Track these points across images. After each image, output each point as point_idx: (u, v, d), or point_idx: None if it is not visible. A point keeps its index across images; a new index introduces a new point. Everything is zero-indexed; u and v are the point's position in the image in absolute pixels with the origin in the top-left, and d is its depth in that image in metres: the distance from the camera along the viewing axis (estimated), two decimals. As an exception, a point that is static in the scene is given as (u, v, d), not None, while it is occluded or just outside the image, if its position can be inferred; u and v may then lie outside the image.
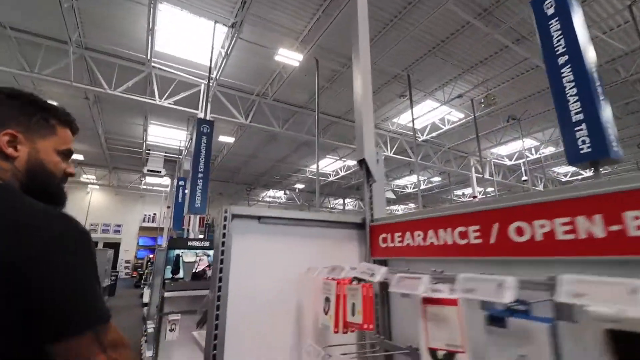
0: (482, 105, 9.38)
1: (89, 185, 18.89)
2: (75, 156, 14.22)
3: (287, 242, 1.43)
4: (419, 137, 12.46)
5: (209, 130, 5.85)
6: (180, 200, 10.21)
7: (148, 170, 13.88)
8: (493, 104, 9.56)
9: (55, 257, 0.63)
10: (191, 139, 11.81)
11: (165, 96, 8.58)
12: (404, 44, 7.48)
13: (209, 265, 3.56)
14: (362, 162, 1.73)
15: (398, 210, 27.17)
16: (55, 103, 0.96)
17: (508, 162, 15.53)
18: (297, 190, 20.30)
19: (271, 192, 22.27)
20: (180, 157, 13.18)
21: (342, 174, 16.88)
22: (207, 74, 7.85)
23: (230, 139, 11.87)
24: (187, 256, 3.37)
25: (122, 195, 20.05)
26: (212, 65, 8.35)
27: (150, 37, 7.19)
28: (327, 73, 8.74)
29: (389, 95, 9.73)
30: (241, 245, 1.28)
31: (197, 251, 3.60)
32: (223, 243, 1.21)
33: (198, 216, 7.92)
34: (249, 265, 1.29)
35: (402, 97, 9.24)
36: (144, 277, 12.01)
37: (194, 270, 3.43)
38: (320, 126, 11.26)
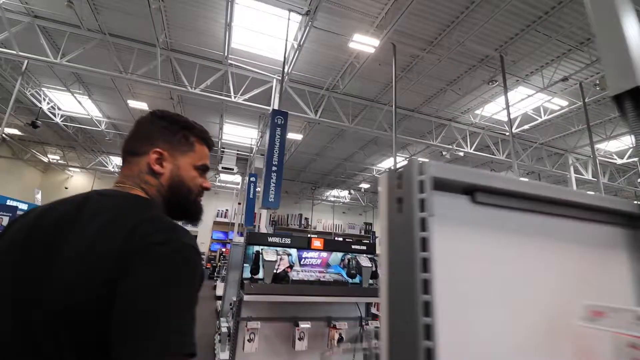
0: (597, 88, 7.76)
1: (172, 182, 20.74)
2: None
3: (523, 245, 0.65)
4: (507, 131, 10.97)
5: (283, 122, 5.69)
6: (251, 196, 10.44)
7: (222, 168, 14.63)
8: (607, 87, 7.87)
9: (146, 261, 0.63)
10: (261, 137, 12.07)
11: (240, 92, 8.78)
12: (495, 21, 6.48)
13: (290, 266, 3.23)
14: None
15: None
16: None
17: (618, 161, 12.92)
18: (362, 190, 19.72)
19: (334, 192, 22.05)
20: (251, 154, 13.60)
21: (411, 173, 15.84)
22: (279, 69, 7.83)
23: (298, 136, 11.84)
24: (268, 254, 3.05)
25: (199, 191, 21.63)
26: (285, 58, 8.32)
27: (227, 34, 7.37)
28: (403, 60, 8.07)
29: (473, 83, 8.66)
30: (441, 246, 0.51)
31: (278, 249, 3.30)
32: (423, 240, 0.48)
33: (268, 211, 7.91)
34: (452, 290, 0.52)
35: (491, 83, 8.11)
36: (217, 269, 12.59)
37: (275, 271, 3.11)
38: (391, 120, 10.62)
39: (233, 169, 14.80)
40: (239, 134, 13.03)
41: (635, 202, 0.76)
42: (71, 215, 0.70)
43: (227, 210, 22.17)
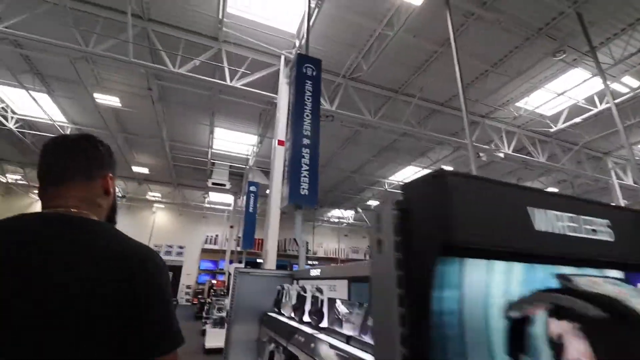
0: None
1: (154, 204, 18.38)
2: (140, 170, 13.45)
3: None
4: (550, 128, 9.37)
5: (315, 73, 3.78)
6: (251, 210, 8.34)
7: (212, 184, 12.52)
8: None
9: (158, 282, 0.76)
10: (261, 142, 10.13)
11: (238, 76, 6.93)
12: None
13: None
14: None
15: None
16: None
17: (666, 163, 11.42)
18: (371, 207, 17.71)
19: (337, 212, 19.98)
20: (247, 166, 11.58)
21: (428, 185, 14.00)
22: (288, 43, 6.06)
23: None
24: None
25: (185, 215, 19.27)
26: (296, 31, 6.59)
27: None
28: (441, 31, 6.42)
29: (525, 62, 7.09)
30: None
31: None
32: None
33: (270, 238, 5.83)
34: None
35: (558, 54, 6.48)
36: (205, 308, 10.13)
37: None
38: (417, 116, 8.96)
39: (225, 185, 12.70)
40: (233, 140, 11.06)
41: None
42: (39, 240, 0.72)
43: (216, 235, 19.74)
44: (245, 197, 8.39)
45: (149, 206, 18.64)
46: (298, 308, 2.32)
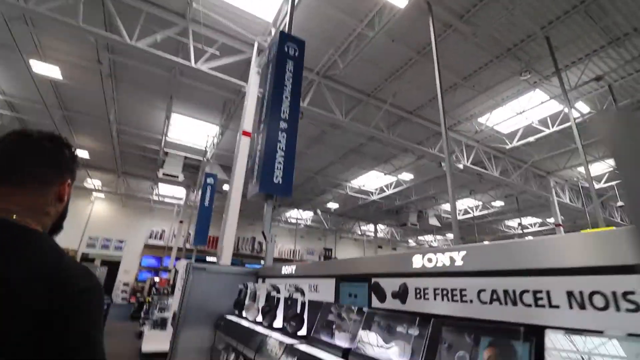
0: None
1: (93, 193, 16.52)
2: (80, 153, 11.97)
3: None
4: (505, 146, 9.93)
5: (297, 54, 3.39)
6: (207, 204, 7.66)
7: (164, 174, 11.49)
8: None
9: (80, 309, 0.67)
10: (223, 133, 9.47)
11: (204, 58, 6.31)
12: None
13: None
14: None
15: (433, 242, 24.19)
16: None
17: (596, 185, 12.74)
18: (332, 210, 17.62)
19: (295, 213, 19.63)
20: (205, 159, 10.78)
21: (388, 192, 14.24)
22: (263, 31, 5.63)
23: (270, 136, 9.47)
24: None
25: (129, 207, 17.60)
26: (272, 20, 6.17)
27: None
28: (420, 38, 6.41)
29: (494, 78, 7.36)
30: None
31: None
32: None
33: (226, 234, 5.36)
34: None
35: (524, 75, 6.79)
36: (145, 307, 9.17)
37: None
38: (386, 122, 8.96)
39: (178, 177, 11.74)
40: (191, 130, 10.22)
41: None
42: None
43: (163, 231, 18.31)
44: (200, 190, 7.68)
45: (86, 194, 16.70)
46: (268, 312, 1.96)
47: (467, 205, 16.43)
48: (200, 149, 11.01)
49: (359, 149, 11.05)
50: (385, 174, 12.95)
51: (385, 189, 14.39)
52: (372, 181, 14.12)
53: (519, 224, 19.19)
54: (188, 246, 17.30)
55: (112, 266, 16.68)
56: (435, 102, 8.39)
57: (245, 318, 2.22)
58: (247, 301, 2.32)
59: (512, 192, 13.87)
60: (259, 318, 2.03)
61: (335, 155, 11.58)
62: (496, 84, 7.56)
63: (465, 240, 24.90)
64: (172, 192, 16.84)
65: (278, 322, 1.88)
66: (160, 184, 15.52)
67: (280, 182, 2.74)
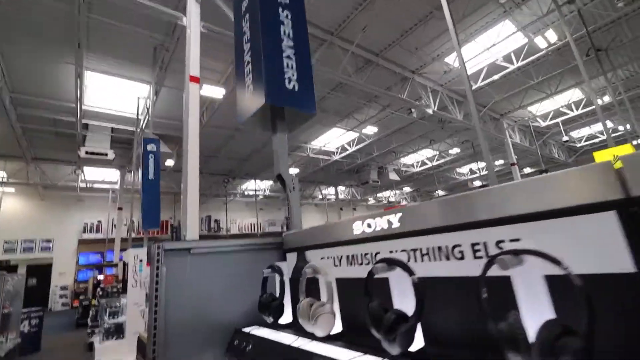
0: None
1: (0, 188, 13.41)
2: (-38, 136, 9.26)
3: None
4: (473, 84, 9.58)
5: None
6: (152, 176, 6.16)
7: (87, 153, 9.38)
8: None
9: None
10: (157, 94, 7.72)
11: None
12: None
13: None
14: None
15: (391, 197, 24.67)
16: None
17: (542, 123, 13.39)
18: (296, 174, 16.53)
19: (251, 184, 18.28)
20: (139, 128, 8.89)
21: (351, 149, 13.56)
22: None
23: (218, 91, 7.93)
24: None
25: (50, 199, 14.76)
26: None
27: None
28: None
29: (472, 3, 6.66)
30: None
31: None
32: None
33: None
34: None
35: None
36: (91, 312, 7.62)
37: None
38: (352, 67, 7.97)
39: (107, 154, 9.70)
40: (116, 94, 8.23)
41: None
42: None
43: (99, 222, 15.86)
44: (141, 160, 6.10)
45: (-12, 191, 13.53)
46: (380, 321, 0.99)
47: (426, 156, 16.53)
48: (131, 116, 9.05)
49: (320, 103, 9.97)
50: (347, 130, 12.15)
51: (347, 146, 13.68)
52: (334, 141, 13.29)
53: (470, 170, 20.13)
54: (135, 235, 15.28)
55: (43, 270, 14.17)
56: (405, 41, 7.59)
57: (290, 329, 1.24)
58: (285, 296, 1.33)
59: (467, 138, 14.05)
60: (323, 329, 1.05)
61: (295, 113, 10.38)
62: (471, 12, 6.88)
63: (421, 192, 25.86)
64: (103, 177, 14.37)
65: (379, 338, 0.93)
66: (85, 168, 13.02)
67: (297, 89, 1.67)
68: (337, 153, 14.17)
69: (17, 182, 12.60)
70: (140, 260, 5.10)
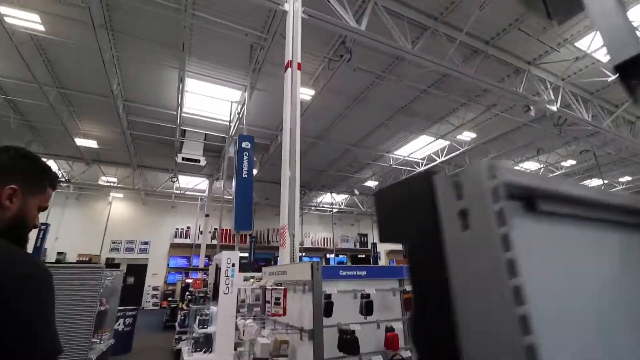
0: None
1: (111, 194, 15.25)
2: (86, 143, 10.54)
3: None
4: (607, 76, 7.74)
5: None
6: (245, 174, 5.94)
7: (183, 159, 9.92)
8: None
9: (22, 294, 0.73)
10: (250, 96, 7.70)
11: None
12: None
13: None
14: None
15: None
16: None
17: (702, 127, 10.35)
18: (373, 188, 15.72)
19: (327, 197, 17.87)
20: (230, 134, 9.07)
21: (439, 160, 12.23)
22: None
23: (307, 92, 7.63)
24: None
25: (149, 205, 16.31)
26: None
27: None
28: None
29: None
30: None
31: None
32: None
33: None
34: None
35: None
36: (179, 316, 7.65)
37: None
38: (464, 57, 6.98)
39: (199, 161, 10.15)
40: (210, 96, 8.50)
41: None
42: None
43: (188, 228, 16.96)
44: (236, 158, 5.94)
45: (103, 194, 15.48)
46: None
47: (531, 168, 14.21)
48: (222, 123, 9.30)
49: (409, 107, 9.10)
50: (437, 138, 10.95)
51: (434, 157, 12.38)
52: (420, 150, 12.15)
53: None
54: (216, 242, 15.89)
55: (139, 270, 15.46)
56: (523, 24, 6.36)
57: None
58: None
59: (588, 147, 11.61)
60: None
61: (381, 117, 9.65)
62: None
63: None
64: (194, 184, 15.35)
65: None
66: (180, 177, 14.03)
67: None
68: (422, 164, 12.94)
69: (124, 187, 14.09)
70: (233, 265, 4.73)
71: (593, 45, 6.99)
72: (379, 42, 5.52)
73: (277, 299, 2.19)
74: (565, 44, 7.06)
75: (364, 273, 3.14)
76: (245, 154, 5.96)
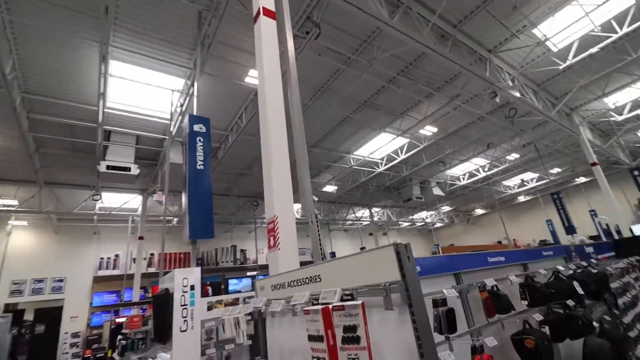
0: None
1: (10, 222, 12.04)
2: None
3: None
4: (559, 64, 8.05)
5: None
6: (200, 165, 4.52)
7: (108, 167, 8.00)
8: None
9: None
10: (191, 91, 6.35)
11: None
12: None
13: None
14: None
15: (427, 218, 22.63)
16: None
17: (618, 117, 11.65)
18: (332, 193, 14.83)
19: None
20: (171, 130, 7.47)
21: (400, 158, 11.91)
22: None
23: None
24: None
25: (63, 231, 13.28)
26: None
27: None
28: None
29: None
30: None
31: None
32: None
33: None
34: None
35: None
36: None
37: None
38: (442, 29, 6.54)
39: (129, 169, 8.30)
40: (144, 89, 6.91)
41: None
42: None
43: (116, 256, 14.16)
44: (187, 145, 4.49)
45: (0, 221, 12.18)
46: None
47: (478, 165, 14.73)
48: (160, 121, 7.68)
49: (373, 99, 8.55)
50: (398, 135, 10.60)
51: (394, 155, 12.06)
52: (380, 149, 11.72)
53: (521, 181, 18.18)
54: (153, 270, 13.75)
55: (52, 314, 12.32)
56: (491, 4, 6.20)
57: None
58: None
59: (530, 140, 12.33)
60: None
61: (344, 111, 8.93)
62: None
63: (458, 212, 23.72)
64: (122, 202, 12.87)
65: None
66: (104, 194, 11.61)
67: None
68: (382, 164, 12.53)
69: (29, 210, 11.20)
70: (192, 287, 3.39)
71: (549, 32, 7.17)
72: (356, 7, 4.74)
73: (350, 328, 1.10)
74: (524, 30, 7.12)
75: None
76: (199, 139, 4.61)
